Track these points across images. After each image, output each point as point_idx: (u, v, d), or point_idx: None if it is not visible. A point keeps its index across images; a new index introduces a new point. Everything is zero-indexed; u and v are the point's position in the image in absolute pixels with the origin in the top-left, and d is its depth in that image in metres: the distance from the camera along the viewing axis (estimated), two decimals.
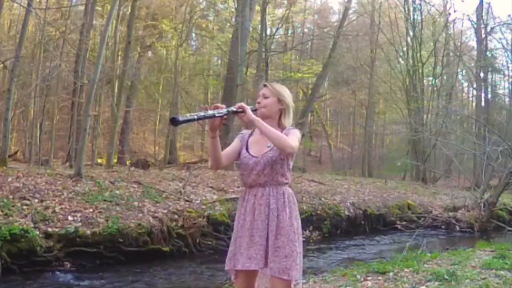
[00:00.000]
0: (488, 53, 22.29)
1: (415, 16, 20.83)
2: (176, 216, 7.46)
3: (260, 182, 2.47)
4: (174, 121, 2.25)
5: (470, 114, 23.55)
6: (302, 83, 24.99)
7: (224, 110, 2.37)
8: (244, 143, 2.58)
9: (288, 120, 2.56)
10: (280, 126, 2.54)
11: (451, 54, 21.94)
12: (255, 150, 2.52)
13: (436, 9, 21.37)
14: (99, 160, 16.58)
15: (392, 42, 21.04)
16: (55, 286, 5.41)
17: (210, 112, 2.33)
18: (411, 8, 20.79)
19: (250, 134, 2.61)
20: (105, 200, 7.32)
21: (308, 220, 9.38)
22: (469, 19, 23.11)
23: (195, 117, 2.29)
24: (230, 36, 17.69)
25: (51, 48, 15.30)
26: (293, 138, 2.44)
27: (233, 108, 2.42)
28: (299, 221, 2.51)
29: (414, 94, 19.82)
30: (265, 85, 2.61)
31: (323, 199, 10.44)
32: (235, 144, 2.60)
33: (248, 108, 2.42)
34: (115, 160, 15.64)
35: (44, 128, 15.71)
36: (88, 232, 6.25)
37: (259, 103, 2.54)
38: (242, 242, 2.45)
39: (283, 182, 2.49)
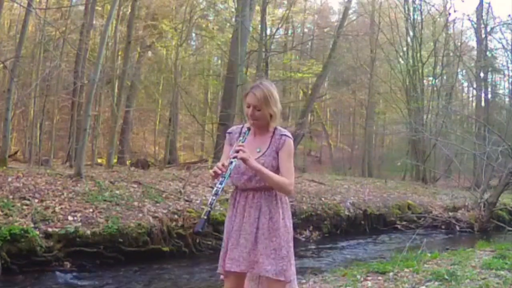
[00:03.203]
0: (488, 53, 22.29)
1: (415, 16, 20.87)
2: (176, 216, 7.46)
3: (251, 187, 2.40)
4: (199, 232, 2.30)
5: (470, 114, 23.57)
6: (302, 83, 24.96)
7: (222, 180, 2.23)
8: (234, 143, 2.42)
9: (277, 121, 2.45)
10: (269, 129, 2.44)
11: (451, 54, 21.94)
12: None
13: (436, 9, 21.41)
14: (99, 160, 16.56)
15: (392, 42, 21.04)
16: (55, 286, 5.41)
17: (212, 197, 2.24)
18: (411, 8, 20.82)
19: (240, 132, 2.45)
20: (105, 200, 7.31)
21: (308, 220, 9.40)
22: (469, 19, 23.13)
23: (209, 210, 2.23)
24: (230, 36, 17.67)
25: (51, 48, 15.28)
26: (289, 169, 2.37)
27: (231, 168, 2.25)
28: (291, 222, 2.49)
29: (414, 94, 19.83)
30: (253, 93, 2.37)
31: (323, 199, 10.44)
32: (226, 151, 2.44)
33: (251, 157, 2.28)
34: (115, 160, 15.60)
35: (44, 128, 15.71)
36: (88, 232, 6.24)
37: (252, 114, 2.36)
38: (229, 243, 2.43)
39: None
